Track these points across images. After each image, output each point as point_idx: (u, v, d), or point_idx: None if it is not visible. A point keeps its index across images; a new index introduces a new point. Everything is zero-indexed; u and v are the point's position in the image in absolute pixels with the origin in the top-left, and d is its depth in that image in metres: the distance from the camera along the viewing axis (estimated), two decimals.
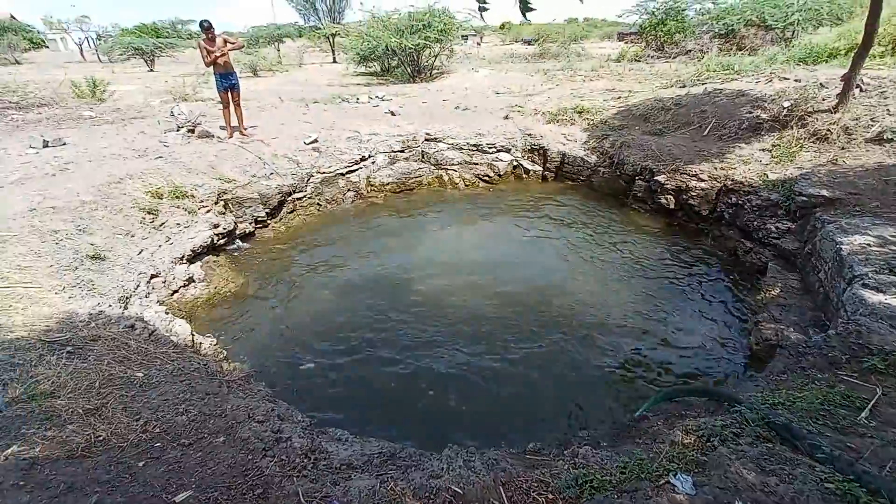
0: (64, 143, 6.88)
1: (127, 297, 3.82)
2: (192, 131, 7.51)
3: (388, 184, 8.07)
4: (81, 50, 30.76)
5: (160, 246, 4.93)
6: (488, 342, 4.23)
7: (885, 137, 5.55)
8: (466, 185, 8.53)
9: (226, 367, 3.74)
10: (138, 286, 4.16)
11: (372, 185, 7.99)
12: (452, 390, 3.72)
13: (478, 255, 5.88)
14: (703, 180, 6.29)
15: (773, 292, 4.65)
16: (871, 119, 5.89)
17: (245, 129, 7.75)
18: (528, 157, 8.80)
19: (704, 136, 7.12)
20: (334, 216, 7.27)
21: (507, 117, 9.35)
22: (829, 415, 2.34)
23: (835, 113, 6.13)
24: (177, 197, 5.60)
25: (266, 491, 1.84)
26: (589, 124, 8.69)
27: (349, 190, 7.76)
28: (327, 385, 3.80)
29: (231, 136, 7.51)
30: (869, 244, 4.07)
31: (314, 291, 5.16)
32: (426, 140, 8.69)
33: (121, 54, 22.13)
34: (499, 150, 8.72)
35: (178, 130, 7.46)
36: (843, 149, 5.78)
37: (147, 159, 6.33)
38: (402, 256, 5.89)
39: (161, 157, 6.42)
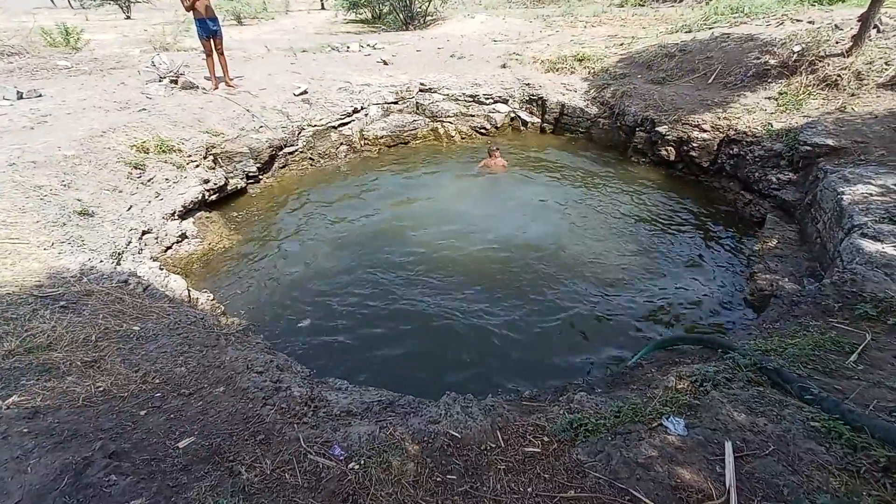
0: (40, 95, 6.57)
1: (119, 253, 3.76)
2: (175, 82, 7.16)
3: (382, 137, 7.83)
4: None
5: (150, 202, 4.81)
6: (485, 295, 4.25)
7: None
8: (462, 138, 8.29)
9: (223, 321, 3.76)
10: (130, 242, 4.09)
11: (365, 139, 7.76)
12: (450, 342, 3.77)
13: (474, 209, 5.80)
14: (705, 131, 6.13)
15: (770, 244, 4.65)
16: (885, 63, 5.66)
17: (231, 79, 7.39)
18: (526, 109, 8.51)
19: (709, 85, 6.86)
20: (328, 171, 7.10)
21: (504, 66, 8.96)
22: (820, 359, 2.38)
23: (847, 57, 5.88)
24: (163, 151, 5.42)
25: (267, 437, 1.87)
26: (590, 73, 8.34)
27: (342, 144, 7.54)
28: (325, 339, 3.84)
29: (216, 88, 7.18)
30: (871, 193, 4.02)
31: (309, 247, 5.12)
32: (421, 91, 8.36)
33: (94, 0, 20.78)
34: (496, 101, 8.41)
35: (160, 81, 7.11)
36: (852, 95, 5.60)
37: (129, 112, 6.06)
38: (397, 211, 5.81)
39: (144, 109, 6.15)
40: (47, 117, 5.71)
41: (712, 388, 2.14)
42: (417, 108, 8.35)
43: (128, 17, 19.30)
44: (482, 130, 8.35)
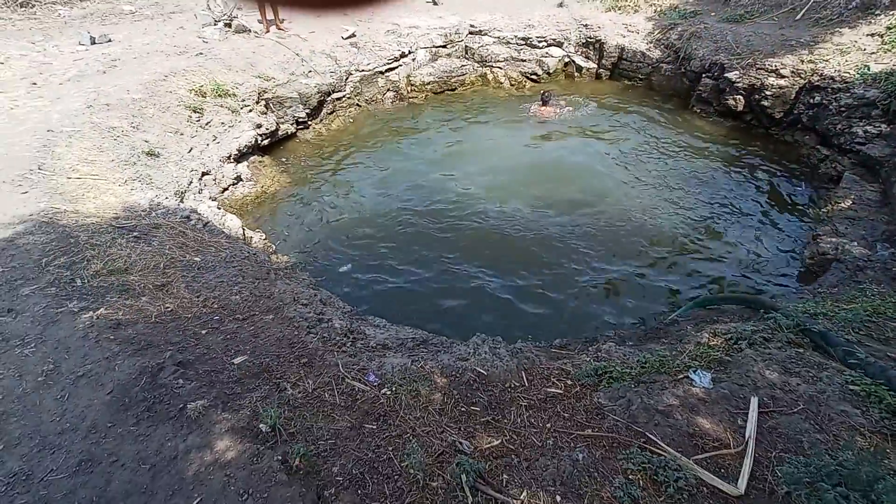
0: (110, 40, 6.91)
1: (182, 192, 4.07)
2: (229, 25, 7.27)
3: (428, 83, 7.66)
4: None
5: (208, 145, 5.09)
6: (532, 247, 4.23)
7: None
8: (512, 85, 7.94)
9: (274, 258, 4.04)
10: (191, 182, 4.40)
11: (412, 85, 7.62)
12: (487, 293, 3.84)
13: (523, 160, 5.65)
14: (782, 76, 5.50)
15: (843, 204, 4.25)
16: None
17: (281, 22, 7.40)
18: (582, 52, 7.95)
19: (797, 21, 6.06)
20: (374, 117, 7.11)
21: (561, 4, 8.31)
22: (876, 326, 2.24)
23: None
24: (219, 95, 5.63)
25: (310, 361, 2.07)
26: (655, 11, 7.59)
27: (389, 90, 7.46)
28: (367, 280, 4.03)
29: (268, 31, 7.22)
30: None
31: (355, 192, 5.27)
32: (470, 33, 7.99)
33: None
34: (549, 45, 7.90)
35: (214, 25, 7.24)
36: None
37: (188, 56, 6.28)
38: (442, 160, 5.79)
39: (201, 53, 6.34)
40: (116, 62, 6.04)
41: (747, 347, 2.09)
42: (466, 53, 8.03)
43: None
44: (533, 76, 7.94)
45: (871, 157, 4.51)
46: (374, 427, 1.74)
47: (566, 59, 7.97)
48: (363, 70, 7.17)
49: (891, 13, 5.38)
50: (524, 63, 7.95)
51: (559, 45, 7.92)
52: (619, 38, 7.47)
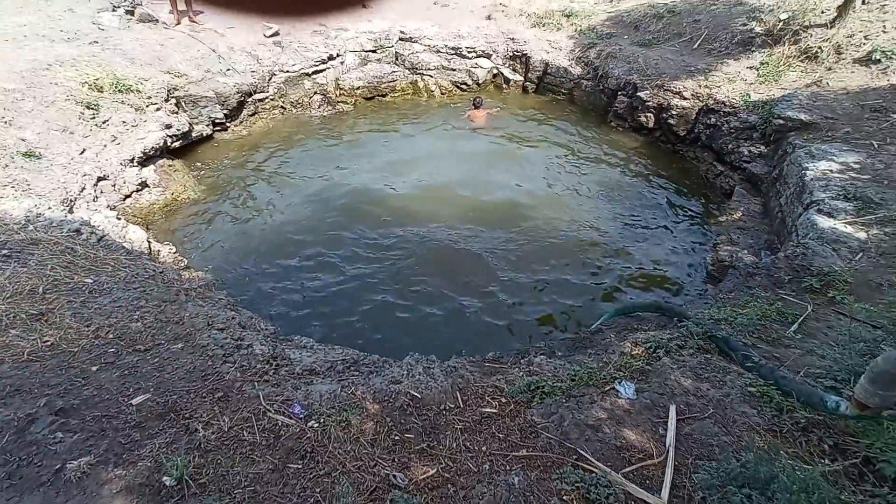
0: None
1: (71, 200, 3.55)
2: (132, 13, 6.54)
3: (358, 87, 7.47)
4: None
5: (105, 146, 4.51)
6: (455, 257, 4.26)
7: (872, 58, 5.39)
8: (443, 94, 8.00)
9: (185, 275, 3.66)
10: (83, 189, 3.86)
11: (341, 89, 7.39)
12: (417, 303, 3.80)
13: (450, 168, 5.69)
14: (685, 98, 6.09)
15: (735, 216, 4.78)
16: (864, 37, 5.66)
17: (194, 14, 6.81)
18: (510, 65, 8.21)
19: (694, 50, 6.75)
20: (300, 121, 6.78)
21: (489, 17, 8.54)
22: (764, 329, 2.52)
23: (831, 28, 5.84)
24: (120, 91, 5.03)
25: (226, 394, 1.87)
26: (576, 30, 8.05)
27: (316, 93, 7.16)
28: (292, 295, 3.81)
29: (178, 23, 6.61)
30: (832, 170, 4.13)
31: (278, 201, 4.96)
32: (401, 40, 7.93)
33: None
34: (479, 56, 8.07)
35: (114, 11, 6.48)
36: (829, 69, 5.62)
37: (80, 44, 5.55)
38: (371, 168, 5.65)
39: (96, 41, 5.64)
40: None
41: (664, 355, 2.24)
42: (397, 59, 7.95)
43: None
44: (463, 86, 8.06)
45: (754, 174, 5.12)
46: (300, 466, 1.60)
47: (495, 71, 8.19)
48: (288, 71, 6.82)
49: (763, 51, 6.19)
50: (454, 72, 8.05)
51: (488, 56, 8.12)
52: (543, 53, 7.82)
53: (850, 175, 3.95)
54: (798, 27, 6.03)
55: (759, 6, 6.72)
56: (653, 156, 6.20)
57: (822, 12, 6.11)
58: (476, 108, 6.90)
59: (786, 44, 6.00)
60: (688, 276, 4.29)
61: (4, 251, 2.39)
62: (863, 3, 5.95)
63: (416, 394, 2.00)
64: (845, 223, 3.39)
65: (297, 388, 1.98)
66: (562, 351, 2.89)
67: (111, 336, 2.03)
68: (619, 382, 2.04)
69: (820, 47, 5.71)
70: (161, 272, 2.76)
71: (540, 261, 4.26)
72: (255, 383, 1.95)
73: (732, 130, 5.49)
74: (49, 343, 1.89)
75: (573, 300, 3.91)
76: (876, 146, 4.28)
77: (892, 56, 5.26)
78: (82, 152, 4.24)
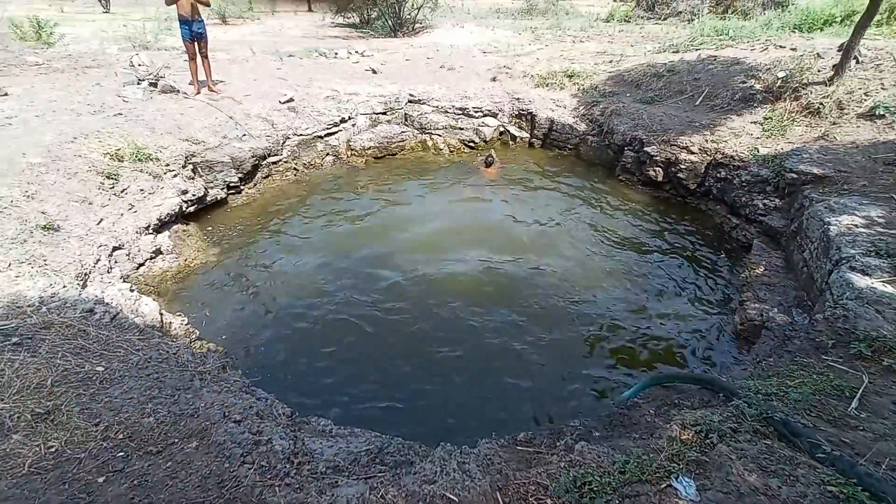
0: (6, 94, 6.19)
1: (86, 274, 3.50)
2: (155, 85, 6.86)
3: (369, 148, 7.67)
4: None
5: (122, 214, 4.54)
6: (471, 321, 4.13)
7: (876, 113, 5.49)
8: (451, 151, 8.19)
9: (196, 347, 3.53)
10: (98, 260, 3.83)
11: (352, 149, 7.58)
12: (437, 372, 3.64)
13: (462, 227, 5.67)
14: (692, 153, 6.17)
15: (757, 270, 4.66)
16: (864, 93, 5.79)
17: (214, 84, 7.14)
18: (516, 123, 8.47)
19: (696, 106, 6.94)
20: (312, 182, 6.89)
21: (494, 79, 8.92)
22: (822, 405, 2.33)
23: (829, 85, 6.00)
24: (139, 160, 5.14)
25: None
26: (579, 89, 8.36)
27: (328, 154, 7.34)
28: (307, 367, 3.65)
29: (199, 93, 6.90)
30: (856, 225, 4.05)
31: (292, 264, 4.91)
32: (410, 102, 8.23)
33: None
34: (485, 115, 8.35)
35: (138, 84, 6.80)
36: (834, 124, 5.71)
37: (104, 116, 5.76)
38: (384, 228, 5.64)
39: (120, 113, 5.86)
40: (12, 119, 5.37)
41: (719, 441, 2.05)
42: (406, 120, 8.22)
43: (106, 11, 18.64)
44: (471, 144, 8.27)
45: (772, 227, 5.06)
46: None
47: (501, 129, 8.43)
48: (301, 134, 7.03)
49: (765, 106, 6.35)
50: (462, 131, 8.28)
51: (494, 115, 8.39)
52: (548, 111, 8.07)
53: (876, 230, 3.86)
54: (797, 85, 6.20)
55: (755, 65, 6.96)
56: (664, 210, 6.19)
57: (819, 71, 6.30)
58: (488, 166, 7.08)
59: (787, 100, 6.16)
60: (716, 337, 4.11)
61: (15, 339, 2.29)
62: (857, 62, 6.15)
63: (452, 497, 1.81)
64: (883, 282, 3.25)
65: (322, 493, 1.80)
66: (599, 430, 2.69)
67: (121, 436, 1.88)
68: (677, 478, 1.84)
69: (822, 103, 5.84)
70: (175, 353, 2.63)
71: (554, 328, 4.09)
72: (277, 488, 1.77)
73: (744, 184, 5.49)
74: (53, 449, 1.74)
75: (595, 368, 3.72)
76: None
77: (895, 111, 5.35)
78: (99, 222, 4.26)
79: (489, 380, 3.59)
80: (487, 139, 8.29)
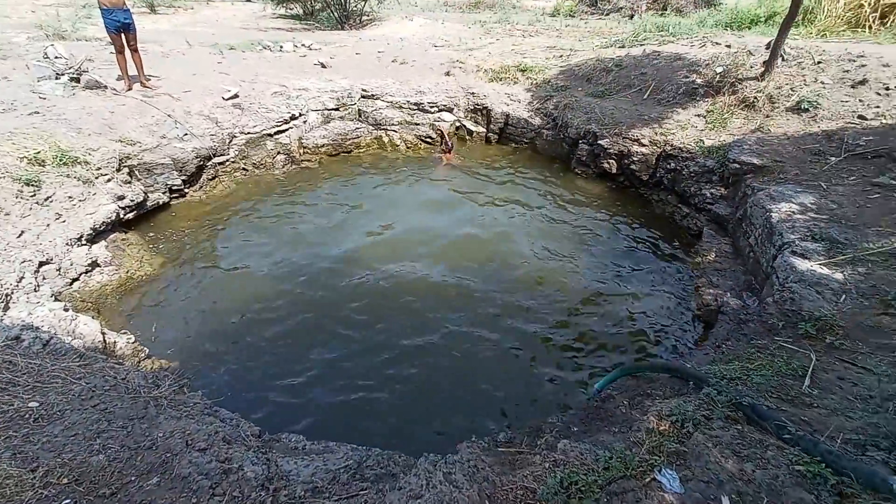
0: None
1: (7, 295, 3.10)
2: (77, 80, 6.21)
3: (322, 145, 7.38)
4: None
5: (48, 225, 4.08)
6: (435, 323, 4.07)
7: (802, 107, 5.93)
8: (408, 147, 8.05)
9: (148, 367, 3.25)
10: (22, 278, 3.41)
11: (305, 148, 7.26)
12: (405, 376, 3.56)
13: (420, 224, 5.58)
14: (643, 145, 6.41)
15: (709, 257, 4.92)
16: (790, 88, 6.25)
17: (147, 79, 6.56)
18: (472, 118, 8.45)
19: (644, 100, 7.21)
20: (263, 183, 6.54)
21: (448, 73, 8.84)
22: (780, 387, 2.48)
23: (761, 81, 6.42)
24: (65, 164, 4.63)
25: None
26: (532, 84, 8.47)
27: (279, 153, 6.99)
28: (270, 378, 3.45)
29: (130, 89, 6.32)
30: (794, 211, 4.36)
31: (244, 270, 4.63)
32: (363, 97, 8.00)
33: None
34: (441, 110, 8.26)
35: (57, 79, 6.12)
36: (767, 117, 6.12)
37: (17, 115, 5.14)
38: (342, 229, 5.45)
39: (37, 112, 5.25)
40: None
41: (694, 430, 2.12)
42: (360, 116, 7.99)
43: None
44: (427, 139, 8.17)
45: (719, 214, 5.36)
46: None
47: (458, 124, 8.39)
48: (249, 133, 6.64)
49: (706, 100, 6.71)
50: (418, 126, 8.16)
51: (450, 110, 8.33)
52: (503, 105, 8.12)
53: (810, 216, 4.18)
54: (734, 80, 6.59)
55: (696, 61, 7.33)
56: (619, 200, 6.41)
57: (751, 67, 6.73)
58: (447, 151, 7.42)
59: (725, 94, 6.53)
60: (674, 322, 4.30)
61: None
62: (783, 60, 6.63)
63: None
64: (820, 264, 3.52)
65: None
66: (576, 426, 2.73)
67: (65, 481, 1.66)
68: (660, 471, 1.88)
69: (755, 97, 6.24)
70: (123, 378, 2.38)
71: (516, 323, 4.11)
72: None
73: (692, 174, 5.79)
74: None
75: (562, 360, 3.78)
76: (825, 187, 4.59)
77: (818, 105, 5.80)
78: (20, 235, 3.80)
79: (459, 381, 3.55)
80: (444, 135, 8.21)
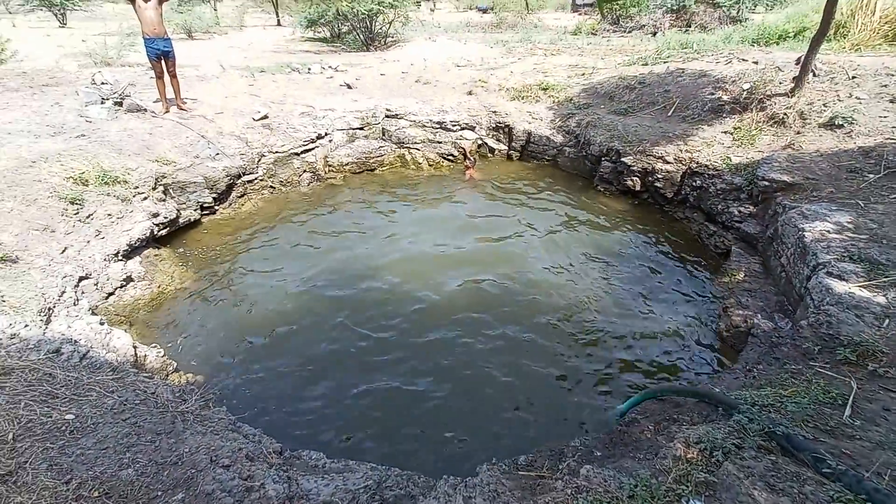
0: None
1: (50, 309, 3.26)
2: (120, 104, 6.58)
3: (347, 163, 7.56)
4: None
5: (88, 241, 4.29)
6: (460, 341, 4.04)
7: (836, 123, 5.74)
8: (430, 165, 8.16)
9: (175, 380, 3.34)
10: (63, 292, 3.58)
11: (330, 166, 7.45)
12: (427, 394, 3.54)
13: (444, 241, 5.61)
14: (668, 162, 6.32)
15: (738, 276, 4.77)
16: (823, 104, 6.08)
17: (183, 102, 6.91)
18: (493, 136, 8.53)
19: (669, 117, 7.14)
20: (290, 200, 6.72)
21: (470, 93, 8.97)
22: (818, 415, 2.35)
23: (791, 97, 6.28)
24: (106, 183, 4.89)
25: None
26: (554, 102, 8.50)
27: (305, 171, 7.19)
28: (292, 394, 3.50)
29: (167, 111, 6.66)
30: (828, 231, 4.20)
31: (270, 286, 4.74)
32: (387, 117, 8.19)
33: (22, 4, 19.21)
34: (463, 128, 8.37)
35: (102, 103, 6.51)
36: (798, 133, 5.95)
37: (66, 138, 5.47)
38: (365, 244, 5.53)
39: (83, 135, 5.58)
40: None
41: (724, 458, 2.03)
42: (384, 134, 8.16)
43: (63, 25, 17.97)
44: (450, 157, 8.26)
45: (748, 233, 5.21)
46: None
47: (479, 142, 8.47)
48: (277, 151, 6.87)
49: (733, 116, 6.59)
50: (441, 144, 8.28)
51: (472, 128, 8.43)
52: (525, 123, 8.17)
53: (847, 235, 4.01)
54: (761, 96, 6.47)
55: (722, 77, 7.24)
56: (643, 218, 6.31)
57: (780, 83, 6.59)
58: (471, 166, 7.65)
59: (753, 110, 6.40)
60: (701, 343, 4.16)
61: None
62: (814, 75, 6.47)
63: None
64: (860, 287, 3.36)
65: None
66: (599, 450, 2.65)
67: (96, 494, 1.71)
68: (688, 501, 1.81)
69: (786, 114, 6.09)
70: (153, 392, 2.45)
71: (541, 342, 4.05)
72: None
73: (719, 192, 5.66)
74: None
75: (585, 382, 3.70)
76: (862, 205, 4.41)
77: (853, 121, 5.62)
78: (63, 251, 4.01)
79: (481, 400, 3.51)
80: (467, 153, 8.30)
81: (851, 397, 2.48)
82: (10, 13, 20.71)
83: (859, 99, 5.92)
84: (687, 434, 2.27)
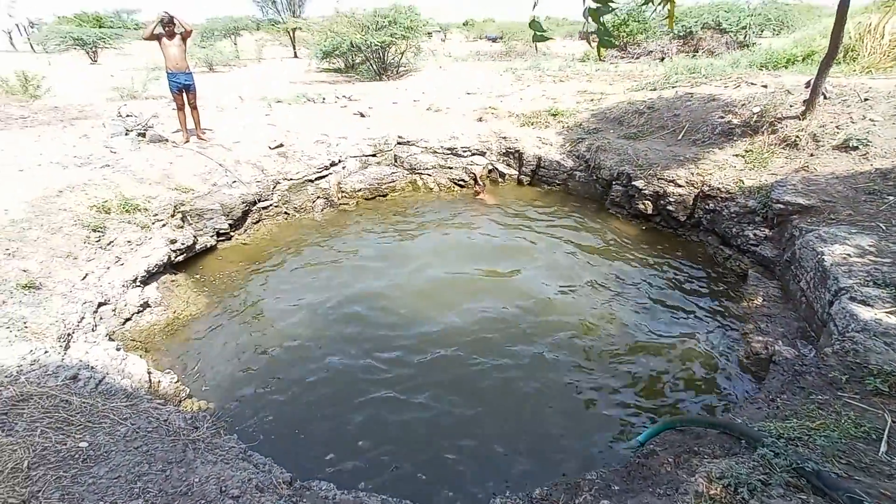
0: None
1: (69, 335, 3.32)
2: (144, 135, 6.85)
3: (359, 189, 7.69)
4: (11, 38, 28.18)
5: (108, 268, 4.39)
6: (472, 370, 3.98)
7: (850, 145, 5.69)
8: (441, 190, 8.26)
9: (187, 407, 3.34)
10: (83, 318, 3.65)
11: (343, 192, 7.59)
12: (440, 423, 3.47)
13: (456, 267, 5.61)
14: (680, 186, 6.30)
15: (756, 301, 4.66)
16: (836, 127, 6.04)
17: (203, 132, 7.16)
18: (504, 161, 8.63)
19: (679, 141, 7.16)
20: (303, 225, 6.83)
21: (480, 119, 9.14)
22: (850, 450, 2.25)
23: (802, 119, 6.26)
24: (127, 211, 5.04)
25: None
26: (563, 127, 8.61)
27: (319, 197, 7.32)
28: (302, 422, 3.46)
29: (187, 141, 6.91)
30: (849, 254, 4.10)
31: (283, 312, 4.76)
32: (399, 144, 8.36)
33: (58, 44, 20.36)
34: (473, 154, 8.49)
35: (126, 134, 6.78)
36: (812, 155, 5.91)
37: (91, 168, 5.69)
38: (378, 270, 5.56)
39: (108, 165, 5.79)
40: None
41: (750, 496, 1.94)
42: (395, 161, 8.31)
43: (94, 63, 18.95)
44: (461, 182, 8.36)
45: (765, 257, 5.12)
46: None
47: (490, 167, 8.57)
48: (292, 178, 7.03)
49: (744, 139, 6.58)
50: (452, 170, 8.39)
51: (482, 154, 8.55)
52: (535, 148, 8.25)
53: (870, 259, 3.91)
54: (772, 119, 6.46)
55: (731, 101, 7.27)
56: (656, 241, 6.25)
57: (791, 106, 6.59)
58: (481, 190, 7.86)
59: (764, 133, 6.39)
60: (720, 371, 4.03)
61: None
62: (825, 98, 6.46)
63: None
64: (887, 313, 3.26)
65: None
66: (617, 483, 2.55)
67: None
68: None
69: (798, 136, 6.07)
70: (165, 419, 2.46)
71: (555, 370, 3.97)
72: None
73: (733, 215, 5.60)
74: None
75: (601, 411, 3.60)
76: (884, 228, 4.32)
77: (868, 143, 5.56)
78: (84, 277, 4.10)
79: (496, 428, 3.43)
80: (477, 178, 8.40)
81: (886, 431, 2.37)
82: (46, 52, 21.93)
83: (873, 121, 5.88)
84: (709, 468, 2.18)
